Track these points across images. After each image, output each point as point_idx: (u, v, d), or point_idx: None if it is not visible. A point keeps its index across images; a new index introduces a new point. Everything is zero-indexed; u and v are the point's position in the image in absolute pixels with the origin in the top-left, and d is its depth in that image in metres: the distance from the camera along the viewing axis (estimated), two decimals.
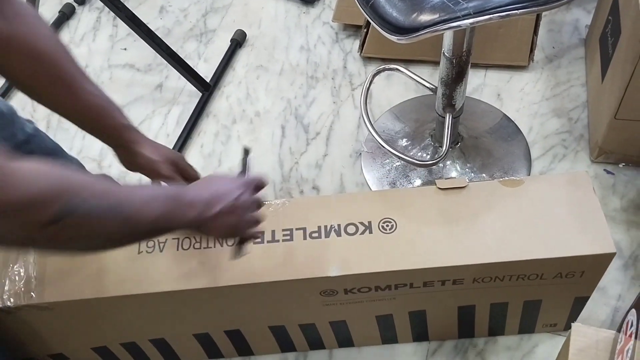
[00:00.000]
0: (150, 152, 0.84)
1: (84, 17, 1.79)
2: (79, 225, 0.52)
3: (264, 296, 0.93)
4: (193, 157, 1.46)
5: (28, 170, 0.48)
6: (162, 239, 0.93)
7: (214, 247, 0.91)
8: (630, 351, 0.65)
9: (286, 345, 1.10)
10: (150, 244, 0.93)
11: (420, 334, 1.10)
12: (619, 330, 0.75)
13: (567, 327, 1.10)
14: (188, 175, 0.89)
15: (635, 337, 0.65)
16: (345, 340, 1.11)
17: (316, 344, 1.10)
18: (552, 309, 1.03)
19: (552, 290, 0.95)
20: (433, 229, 0.91)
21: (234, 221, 0.73)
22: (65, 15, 1.78)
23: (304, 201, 1.03)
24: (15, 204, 0.46)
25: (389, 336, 1.10)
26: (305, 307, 0.97)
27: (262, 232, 0.90)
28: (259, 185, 0.79)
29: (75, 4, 1.80)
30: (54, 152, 1.02)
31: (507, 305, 1.01)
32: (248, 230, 0.79)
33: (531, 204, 0.91)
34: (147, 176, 0.86)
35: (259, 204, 0.80)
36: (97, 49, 1.72)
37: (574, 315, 1.06)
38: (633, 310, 0.69)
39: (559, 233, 0.88)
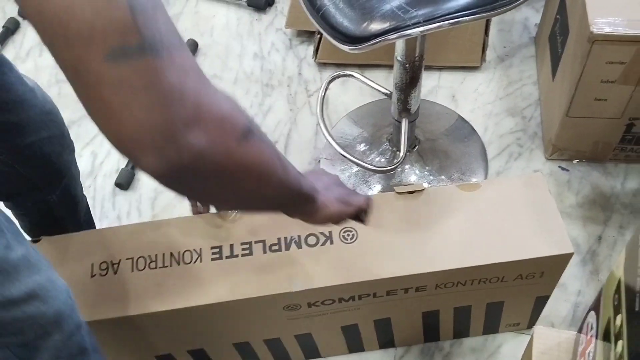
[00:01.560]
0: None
1: (30, 32, 1.73)
2: (260, 152, 0.52)
3: (226, 315, 0.91)
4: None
5: (220, 93, 0.49)
6: (115, 260, 0.91)
7: (170, 266, 0.89)
8: (591, 354, 0.66)
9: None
10: (104, 265, 0.90)
11: (386, 341, 1.10)
12: (579, 331, 0.76)
13: (530, 326, 1.11)
14: None
15: (596, 339, 0.65)
16: (311, 352, 1.09)
17: (283, 358, 1.09)
18: (515, 310, 1.04)
19: (513, 291, 0.96)
20: (394, 237, 0.91)
21: (341, 206, 0.72)
22: (10, 30, 1.72)
23: None
24: (217, 116, 0.46)
25: (355, 345, 1.10)
26: (269, 322, 0.96)
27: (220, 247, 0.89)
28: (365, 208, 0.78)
29: (19, 19, 1.74)
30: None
31: (471, 308, 1.01)
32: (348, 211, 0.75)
33: (489, 207, 0.92)
34: None
35: (367, 202, 0.78)
36: (44, 64, 1.66)
37: (535, 314, 1.07)
38: (592, 312, 0.70)
39: (518, 236, 0.89)
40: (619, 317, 0.58)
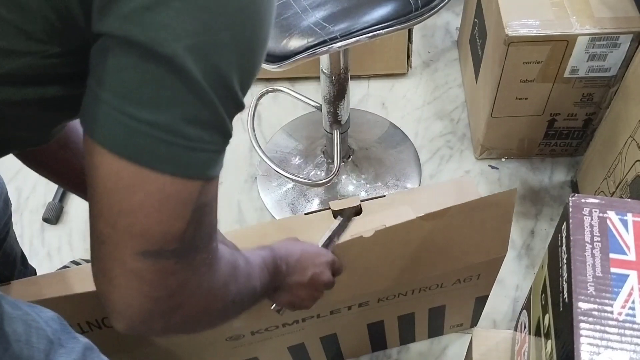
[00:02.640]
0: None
1: None
2: (234, 304, 0.56)
3: (169, 350, 0.89)
4: (78, 203, 1.38)
5: (224, 256, 0.54)
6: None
7: None
8: (526, 353, 0.67)
9: None
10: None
11: (334, 356, 1.10)
12: (515, 330, 0.78)
13: (473, 324, 1.13)
14: None
15: (529, 340, 0.67)
16: None
17: None
18: (456, 312, 1.06)
19: (453, 295, 0.97)
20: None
21: (309, 295, 0.74)
22: None
23: None
24: (214, 291, 0.52)
25: None
26: (215, 352, 0.94)
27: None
28: (338, 269, 0.79)
29: None
30: None
31: (414, 315, 1.02)
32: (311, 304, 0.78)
33: (422, 212, 0.92)
34: None
35: (332, 285, 0.78)
36: None
37: (477, 313, 1.09)
38: (524, 311, 0.72)
39: (453, 243, 0.89)
40: (547, 317, 0.59)
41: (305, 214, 0.87)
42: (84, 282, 0.84)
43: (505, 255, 0.90)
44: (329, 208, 0.89)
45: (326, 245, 0.80)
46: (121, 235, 0.44)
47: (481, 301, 1.04)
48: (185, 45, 0.41)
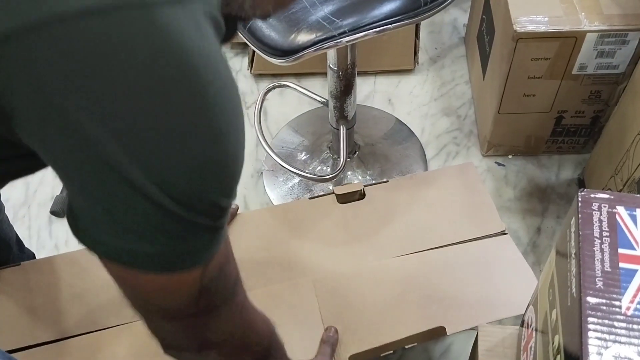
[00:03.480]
0: None
1: None
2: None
3: None
4: None
5: (261, 315, 0.59)
6: None
7: None
8: (533, 348, 0.67)
9: None
10: None
11: None
12: (522, 325, 0.78)
13: None
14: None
15: (536, 335, 0.67)
16: None
17: None
18: None
19: None
20: (336, 242, 0.91)
21: None
22: None
23: None
24: (248, 340, 0.57)
25: None
26: None
27: None
28: None
29: None
30: None
31: None
32: None
33: (424, 200, 0.94)
34: None
35: None
36: None
37: None
38: (531, 307, 0.71)
39: (454, 222, 0.92)
40: (554, 312, 0.59)
41: (310, 198, 0.89)
42: (70, 268, 0.85)
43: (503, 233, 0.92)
44: (333, 193, 0.90)
45: None
46: (145, 313, 0.51)
47: None
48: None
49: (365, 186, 0.93)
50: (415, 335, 0.83)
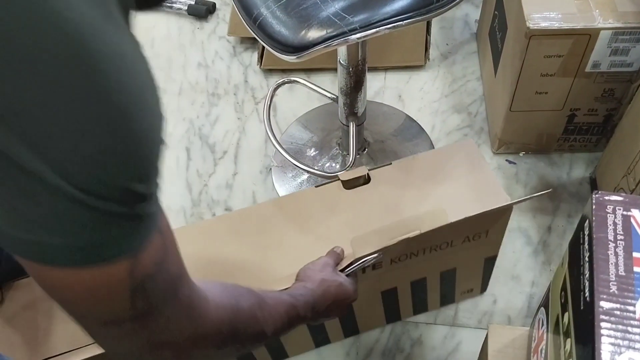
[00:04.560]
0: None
1: None
2: (232, 349, 0.58)
3: None
4: None
5: (214, 302, 0.54)
6: None
7: None
8: (544, 351, 0.66)
9: None
10: None
11: (350, 329, 1.10)
12: (532, 327, 0.77)
13: (483, 290, 1.16)
14: None
15: (547, 337, 0.66)
16: (278, 352, 1.08)
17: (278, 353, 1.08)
18: (467, 275, 1.07)
19: (463, 255, 0.98)
20: (344, 220, 0.92)
21: (336, 312, 0.80)
22: None
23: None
24: (203, 333, 0.52)
25: (320, 339, 1.09)
26: None
27: None
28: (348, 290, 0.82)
29: None
30: None
31: (426, 280, 1.03)
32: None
33: (429, 179, 0.95)
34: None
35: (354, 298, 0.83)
36: None
37: (486, 277, 1.11)
38: (542, 308, 0.71)
39: (459, 198, 0.93)
40: (566, 315, 0.58)
41: (316, 186, 0.89)
42: None
43: (509, 207, 0.92)
44: (338, 179, 0.90)
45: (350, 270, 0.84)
46: (78, 318, 0.46)
47: (490, 263, 1.05)
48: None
49: (369, 170, 0.95)
50: (416, 219, 0.86)
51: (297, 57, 0.86)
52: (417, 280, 1.02)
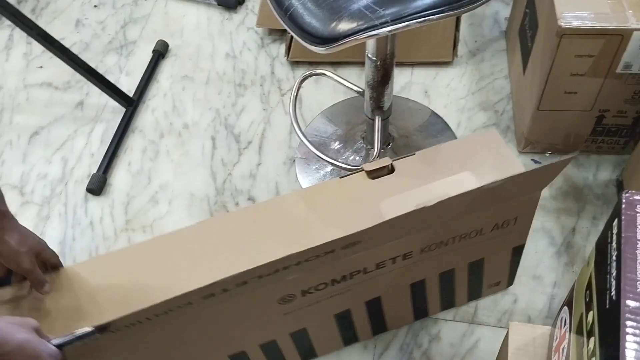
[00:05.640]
0: (16, 242, 0.81)
1: None
2: None
3: (220, 316, 0.89)
4: (120, 176, 1.41)
5: None
6: None
7: None
8: (565, 349, 0.66)
9: None
10: None
11: (378, 326, 1.11)
12: (554, 326, 0.77)
13: (510, 284, 1.15)
14: (51, 264, 0.89)
15: (569, 336, 0.66)
16: (308, 352, 1.09)
17: None
18: (494, 266, 1.06)
19: (491, 245, 0.98)
20: (372, 205, 0.91)
21: None
22: None
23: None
24: None
25: (349, 336, 1.10)
26: (264, 321, 0.95)
27: None
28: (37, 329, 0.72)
29: None
30: None
31: (454, 271, 1.03)
32: None
33: (453, 165, 0.94)
34: (6, 265, 0.83)
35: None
36: (11, 69, 1.63)
37: (513, 269, 1.10)
38: (566, 307, 0.70)
39: (485, 176, 0.91)
40: (590, 314, 0.58)
41: (340, 177, 0.89)
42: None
43: (539, 194, 0.91)
44: (362, 170, 0.90)
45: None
46: None
47: (517, 253, 1.05)
48: None
49: (393, 160, 0.94)
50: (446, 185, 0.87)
51: (327, 49, 0.87)
52: (445, 272, 1.02)
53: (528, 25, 1.30)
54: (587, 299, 0.60)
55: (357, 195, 0.91)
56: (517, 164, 0.95)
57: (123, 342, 0.84)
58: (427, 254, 0.94)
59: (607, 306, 0.53)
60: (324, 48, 0.87)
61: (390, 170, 0.94)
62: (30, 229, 0.86)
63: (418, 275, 1.00)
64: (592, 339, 0.56)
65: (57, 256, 0.90)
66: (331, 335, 1.07)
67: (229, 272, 0.77)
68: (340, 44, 0.86)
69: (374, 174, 0.94)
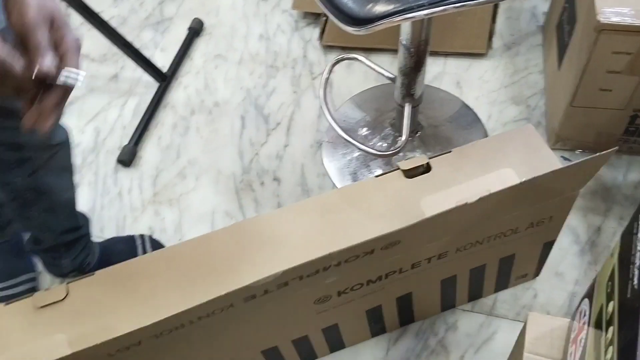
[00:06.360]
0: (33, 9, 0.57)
1: None
2: None
3: (259, 318, 0.89)
4: (150, 149, 1.43)
5: None
6: None
7: None
8: (583, 340, 0.66)
9: None
10: None
11: (406, 318, 1.11)
12: (573, 319, 0.76)
13: (537, 275, 1.15)
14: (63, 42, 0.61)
15: (588, 327, 0.66)
16: (336, 344, 1.10)
17: (308, 356, 1.09)
18: (524, 260, 1.06)
19: (523, 242, 0.97)
20: (404, 202, 0.87)
21: None
22: None
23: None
24: None
25: (377, 328, 1.11)
26: (299, 320, 0.96)
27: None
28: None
29: None
30: None
31: (485, 267, 1.03)
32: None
33: (491, 163, 0.91)
34: (19, 37, 0.58)
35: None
36: None
37: (542, 262, 1.10)
38: (586, 299, 0.70)
39: (525, 173, 0.87)
40: (611, 304, 0.58)
41: (376, 176, 0.88)
42: None
43: (576, 194, 0.90)
44: (398, 168, 0.89)
45: None
46: None
47: (548, 247, 1.05)
48: None
49: (429, 158, 0.92)
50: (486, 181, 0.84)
51: (362, 30, 0.87)
52: (476, 268, 1.02)
53: (566, 20, 1.29)
54: (609, 290, 0.60)
55: (396, 194, 0.88)
56: (555, 160, 0.91)
57: (165, 348, 0.84)
58: (461, 252, 0.94)
59: (629, 295, 0.53)
60: (359, 29, 0.87)
61: (427, 168, 0.91)
62: None
63: (450, 271, 1.00)
64: (610, 328, 0.56)
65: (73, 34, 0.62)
66: (360, 329, 1.08)
67: (270, 272, 0.77)
68: (375, 25, 0.86)
69: (410, 173, 0.91)
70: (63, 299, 0.81)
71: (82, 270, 1.18)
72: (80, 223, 1.14)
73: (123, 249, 1.22)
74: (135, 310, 0.79)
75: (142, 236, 1.26)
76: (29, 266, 1.26)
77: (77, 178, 1.39)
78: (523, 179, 0.80)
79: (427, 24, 1.06)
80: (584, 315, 0.69)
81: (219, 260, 0.83)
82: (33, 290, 1.23)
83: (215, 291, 0.77)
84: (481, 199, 0.79)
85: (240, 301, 0.81)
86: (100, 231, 1.32)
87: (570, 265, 1.18)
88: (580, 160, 0.81)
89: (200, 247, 0.85)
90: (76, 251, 1.14)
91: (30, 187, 0.97)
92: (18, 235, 1.26)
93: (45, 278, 1.27)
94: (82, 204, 1.35)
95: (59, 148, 0.96)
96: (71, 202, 1.08)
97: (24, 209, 1.02)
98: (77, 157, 1.44)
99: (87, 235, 1.16)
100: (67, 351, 0.75)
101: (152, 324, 0.76)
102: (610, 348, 0.54)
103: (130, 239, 1.25)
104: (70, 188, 1.06)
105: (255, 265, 0.81)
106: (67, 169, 1.03)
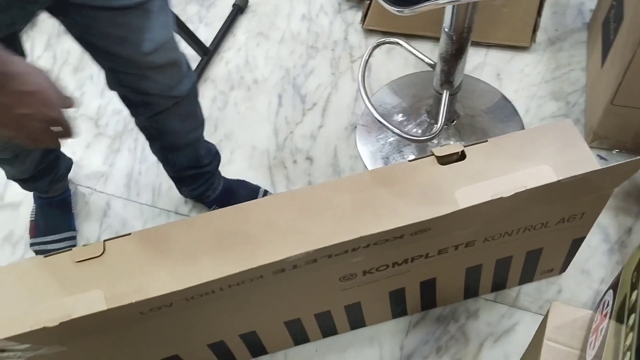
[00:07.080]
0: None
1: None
2: None
3: (284, 290, 0.91)
4: None
5: None
6: None
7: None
8: (604, 330, 0.66)
9: (300, 337, 1.10)
10: None
11: (428, 303, 1.13)
12: (595, 310, 0.76)
13: (563, 270, 1.14)
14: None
15: (610, 317, 0.66)
16: (357, 322, 1.12)
17: (329, 331, 1.11)
18: (551, 254, 1.06)
19: (553, 236, 0.97)
20: (438, 191, 0.87)
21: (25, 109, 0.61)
22: None
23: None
24: None
25: (399, 310, 1.12)
26: (323, 295, 0.97)
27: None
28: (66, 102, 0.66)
29: None
30: None
31: (511, 258, 1.03)
32: (38, 126, 0.64)
33: (526, 155, 0.90)
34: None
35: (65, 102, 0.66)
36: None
37: (569, 258, 1.09)
38: (610, 290, 0.70)
39: (561, 170, 0.87)
40: (635, 293, 0.58)
41: (409, 160, 0.89)
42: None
43: (610, 192, 0.89)
44: (432, 154, 0.89)
45: None
46: None
47: (577, 244, 1.04)
48: None
49: (465, 146, 0.91)
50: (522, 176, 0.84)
51: (407, 10, 0.88)
52: (502, 259, 1.02)
53: (613, 18, 1.27)
54: (634, 280, 0.60)
55: (428, 179, 0.87)
56: (592, 159, 0.89)
57: (194, 310, 0.88)
58: (489, 242, 0.94)
59: None
60: (402, 9, 0.88)
61: (461, 156, 0.91)
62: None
63: (476, 260, 1.01)
64: (632, 316, 0.56)
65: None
66: (382, 309, 1.10)
67: (299, 251, 0.79)
68: (420, 7, 0.86)
69: (444, 160, 0.90)
70: (100, 255, 0.84)
71: (201, 200, 1.29)
72: (204, 162, 1.20)
73: (244, 195, 1.29)
74: (170, 273, 0.82)
75: (265, 192, 1.31)
76: (71, 224, 1.31)
77: (117, 143, 1.44)
78: (560, 177, 0.80)
79: (471, 11, 1.05)
80: (607, 305, 0.69)
81: (251, 229, 0.85)
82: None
83: (247, 263, 0.79)
84: (516, 194, 0.79)
85: (269, 274, 0.84)
86: (137, 196, 1.36)
87: (597, 263, 1.17)
88: (620, 162, 0.80)
89: (236, 215, 0.87)
90: (196, 184, 1.24)
91: (153, 126, 1.08)
92: (67, 192, 1.31)
93: (82, 240, 1.32)
94: (121, 168, 1.39)
95: (181, 99, 1.03)
96: (193, 143, 1.16)
97: (149, 142, 1.15)
98: (119, 124, 1.48)
99: (210, 172, 1.24)
100: (103, 307, 0.78)
101: (185, 289, 0.79)
102: (631, 335, 0.54)
103: (255, 190, 1.31)
104: (193, 131, 1.14)
105: (287, 240, 0.83)
106: (191, 115, 1.11)
